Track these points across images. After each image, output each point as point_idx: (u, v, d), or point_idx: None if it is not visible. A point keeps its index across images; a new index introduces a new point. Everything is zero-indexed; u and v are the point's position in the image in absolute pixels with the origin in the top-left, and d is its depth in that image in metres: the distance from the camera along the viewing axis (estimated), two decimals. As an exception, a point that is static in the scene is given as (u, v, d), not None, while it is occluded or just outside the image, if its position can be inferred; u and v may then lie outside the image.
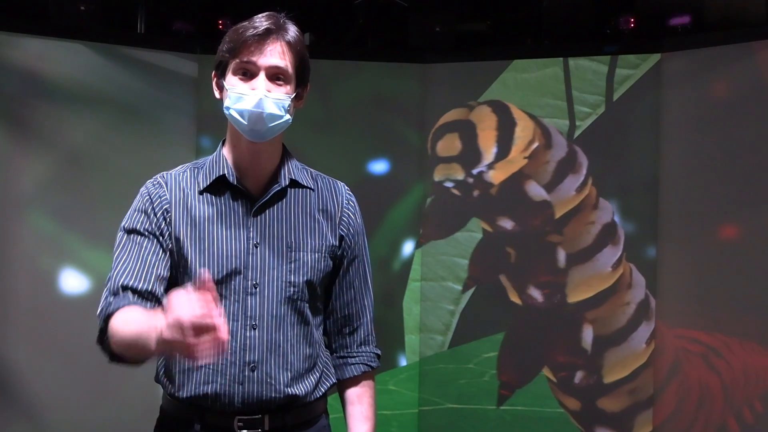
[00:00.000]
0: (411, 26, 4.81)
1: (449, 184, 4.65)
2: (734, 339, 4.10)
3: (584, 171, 4.47)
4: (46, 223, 4.22)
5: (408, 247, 4.74)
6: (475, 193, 4.59)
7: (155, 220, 1.77)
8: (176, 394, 1.80)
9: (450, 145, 4.65)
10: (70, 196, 4.26)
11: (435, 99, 4.73)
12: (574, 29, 4.56)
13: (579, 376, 4.47)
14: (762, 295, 3.99)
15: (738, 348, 4.09)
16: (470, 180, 4.60)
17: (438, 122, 4.69)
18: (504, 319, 4.61)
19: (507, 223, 4.56)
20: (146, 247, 1.74)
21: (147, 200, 1.79)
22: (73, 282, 4.26)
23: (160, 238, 1.75)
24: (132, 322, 1.59)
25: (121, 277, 1.72)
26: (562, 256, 4.47)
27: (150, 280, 1.72)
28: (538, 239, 4.52)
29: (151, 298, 1.71)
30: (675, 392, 4.30)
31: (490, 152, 4.57)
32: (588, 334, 4.45)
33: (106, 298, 1.72)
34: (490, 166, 4.57)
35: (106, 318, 1.68)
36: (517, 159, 4.54)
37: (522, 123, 4.55)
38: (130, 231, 1.77)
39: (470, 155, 4.62)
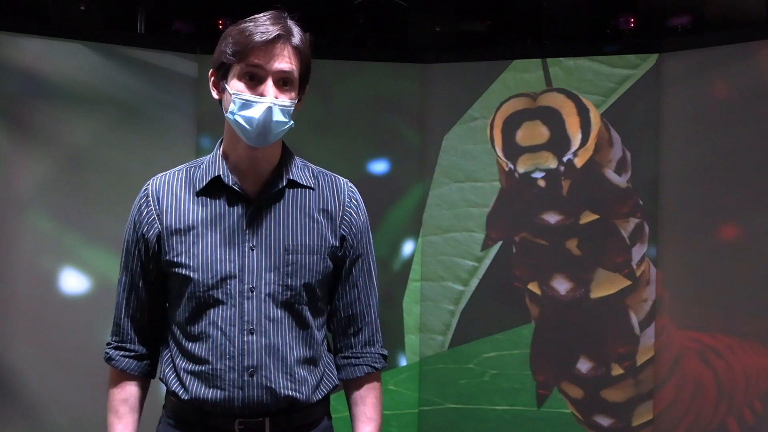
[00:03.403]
0: (411, 26, 4.81)
1: (538, 174, 4.54)
2: (734, 339, 4.10)
3: (630, 168, 4.45)
4: (46, 223, 4.22)
5: (408, 247, 4.74)
6: (564, 181, 4.46)
7: (143, 242, 1.81)
8: (179, 395, 1.79)
9: (536, 132, 4.51)
10: (70, 196, 4.26)
11: (435, 99, 4.73)
12: (574, 29, 4.56)
13: (587, 367, 4.48)
14: (762, 295, 3.99)
15: (738, 348, 4.09)
16: (561, 168, 4.47)
17: (498, 113, 4.59)
18: (528, 313, 4.61)
19: (551, 217, 4.52)
20: (139, 287, 1.85)
21: (136, 218, 1.83)
22: (73, 282, 4.26)
23: (147, 264, 1.82)
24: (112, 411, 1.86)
25: (122, 312, 1.88)
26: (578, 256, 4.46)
27: (142, 324, 1.88)
28: (609, 228, 4.45)
29: (142, 336, 1.89)
30: (674, 386, 4.32)
31: (576, 138, 4.46)
32: (607, 329, 4.45)
33: (114, 332, 1.89)
34: (575, 153, 4.47)
35: (109, 359, 1.88)
36: (591, 146, 4.47)
37: (592, 110, 4.51)
38: (127, 256, 1.86)
39: (559, 142, 4.49)
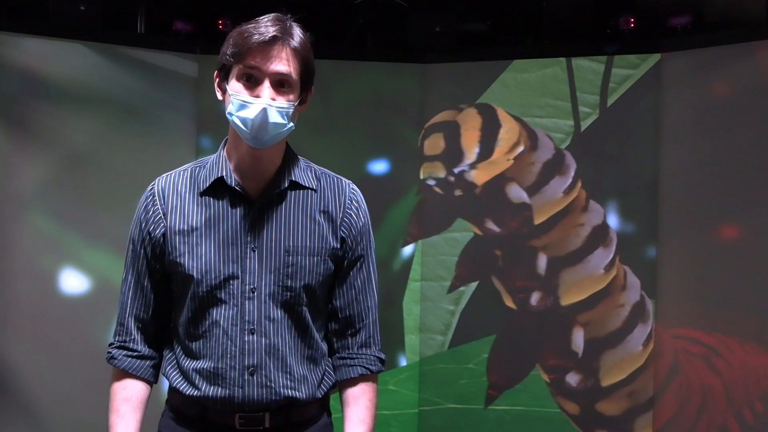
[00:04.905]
0: (411, 26, 4.81)
1: (431, 182, 4.68)
2: (734, 339, 4.10)
3: (572, 173, 4.48)
4: (46, 223, 4.22)
5: (408, 247, 4.75)
6: (457, 192, 4.64)
7: (149, 240, 1.81)
8: (181, 391, 1.81)
9: (435, 143, 4.69)
10: (70, 196, 4.26)
11: (435, 99, 4.73)
12: (574, 29, 4.56)
13: (576, 379, 4.46)
14: (762, 295, 3.99)
15: (738, 348, 4.09)
16: (451, 179, 4.64)
17: (429, 122, 4.72)
18: (495, 322, 4.62)
19: (493, 225, 4.58)
20: (145, 285, 1.84)
21: (143, 216, 1.82)
22: (73, 282, 4.26)
23: (153, 263, 1.82)
24: (113, 409, 1.83)
25: (126, 311, 1.86)
26: (543, 259, 4.50)
27: (146, 324, 1.86)
28: (523, 242, 4.55)
29: (146, 337, 1.87)
30: (675, 394, 4.30)
31: (472, 152, 4.60)
32: (582, 337, 4.45)
33: (117, 332, 1.87)
34: (472, 166, 4.61)
35: (111, 359, 1.86)
36: (500, 161, 4.56)
37: (507, 125, 4.57)
38: (133, 255, 1.84)
39: (453, 154, 4.65)
